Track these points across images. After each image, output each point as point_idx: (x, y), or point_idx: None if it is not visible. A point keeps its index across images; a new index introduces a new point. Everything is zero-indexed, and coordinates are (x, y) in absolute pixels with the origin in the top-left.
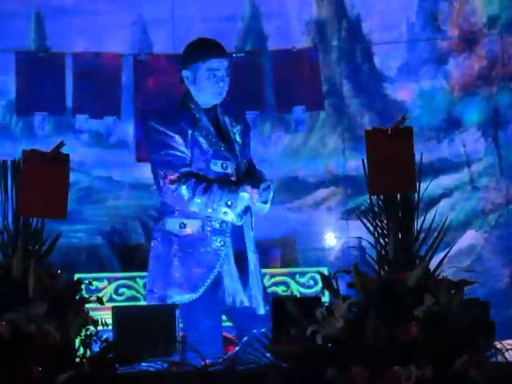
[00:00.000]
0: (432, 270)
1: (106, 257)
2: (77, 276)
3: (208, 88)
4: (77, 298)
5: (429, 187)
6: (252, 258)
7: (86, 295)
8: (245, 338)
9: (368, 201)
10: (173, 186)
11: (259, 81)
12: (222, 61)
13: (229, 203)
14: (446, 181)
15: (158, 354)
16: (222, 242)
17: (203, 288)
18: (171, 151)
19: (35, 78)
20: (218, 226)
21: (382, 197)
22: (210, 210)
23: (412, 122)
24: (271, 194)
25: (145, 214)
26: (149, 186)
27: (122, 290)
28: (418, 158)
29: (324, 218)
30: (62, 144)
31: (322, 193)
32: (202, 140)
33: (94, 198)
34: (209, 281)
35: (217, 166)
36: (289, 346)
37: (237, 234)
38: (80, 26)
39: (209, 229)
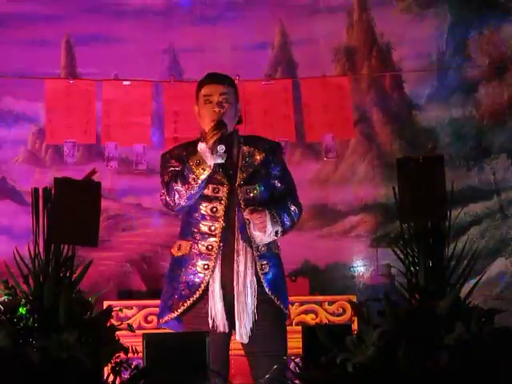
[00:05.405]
0: (463, 298)
1: (135, 284)
2: (106, 303)
3: (206, 115)
4: (107, 325)
5: (458, 215)
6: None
7: (116, 322)
8: (275, 366)
9: (398, 228)
10: (162, 191)
11: (289, 108)
12: (217, 86)
13: (197, 162)
14: (475, 208)
15: (188, 382)
16: (206, 266)
17: (183, 308)
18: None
19: (65, 105)
20: (204, 249)
21: (412, 224)
22: (194, 184)
23: (441, 149)
24: (268, 226)
25: (174, 242)
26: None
27: (150, 317)
28: (448, 185)
29: (353, 245)
30: (93, 172)
31: (351, 220)
32: None
33: (123, 225)
34: (190, 301)
35: (208, 190)
36: (320, 374)
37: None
38: (109, 53)
39: (195, 251)
